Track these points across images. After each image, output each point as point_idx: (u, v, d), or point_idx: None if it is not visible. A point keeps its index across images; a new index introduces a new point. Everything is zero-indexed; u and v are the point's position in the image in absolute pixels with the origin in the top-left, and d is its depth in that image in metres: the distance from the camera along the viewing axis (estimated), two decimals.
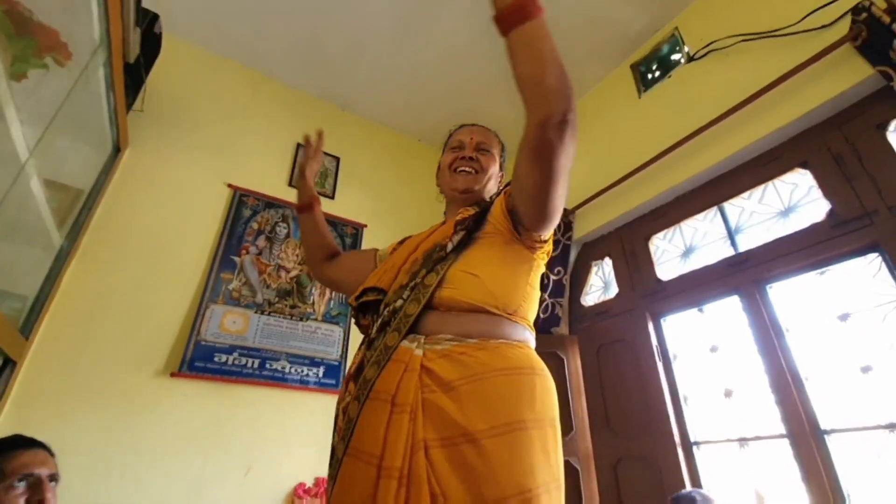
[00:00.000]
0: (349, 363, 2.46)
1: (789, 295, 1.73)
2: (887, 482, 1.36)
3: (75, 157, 1.82)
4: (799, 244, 1.69)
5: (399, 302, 0.82)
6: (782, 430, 1.60)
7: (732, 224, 1.99)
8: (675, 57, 2.33)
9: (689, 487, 1.76)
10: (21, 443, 1.06)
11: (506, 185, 0.93)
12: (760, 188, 1.91)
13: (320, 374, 2.21)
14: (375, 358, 0.78)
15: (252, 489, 1.87)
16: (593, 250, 2.57)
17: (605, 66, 2.68)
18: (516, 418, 0.70)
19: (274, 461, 1.96)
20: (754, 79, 1.85)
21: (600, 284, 2.53)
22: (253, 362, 2.07)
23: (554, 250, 2.46)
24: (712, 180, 2.06)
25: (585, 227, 2.52)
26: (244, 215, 2.34)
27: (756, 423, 1.70)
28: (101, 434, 1.69)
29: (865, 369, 1.48)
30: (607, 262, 2.49)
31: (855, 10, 1.55)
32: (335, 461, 0.75)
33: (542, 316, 2.40)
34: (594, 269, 2.58)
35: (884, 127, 1.58)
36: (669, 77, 2.33)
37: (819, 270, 1.66)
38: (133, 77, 1.88)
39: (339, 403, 0.83)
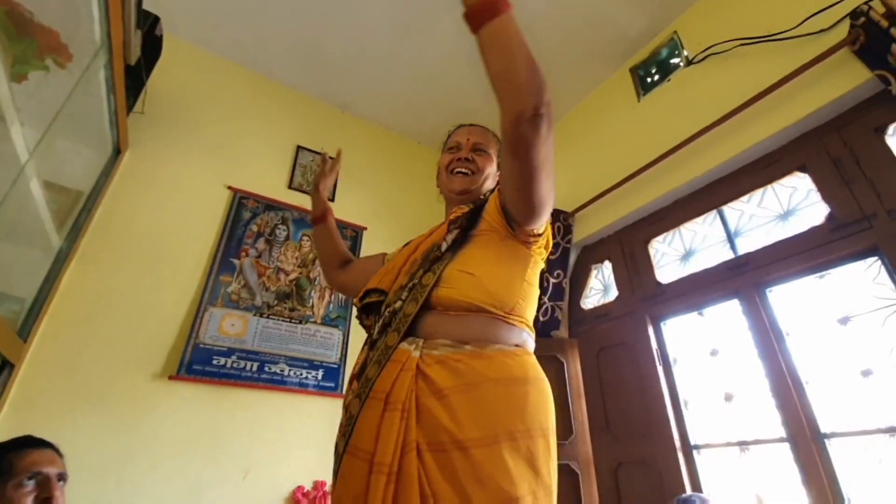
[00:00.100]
0: (349, 365, 2.47)
1: (789, 298, 1.73)
2: (887, 486, 1.36)
3: (75, 158, 1.82)
4: (798, 247, 1.69)
5: (398, 303, 0.83)
6: (782, 433, 1.59)
7: (732, 227, 2.00)
8: (675, 60, 2.34)
9: (689, 492, 1.76)
10: (30, 442, 1.09)
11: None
12: (759, 192, 1.91)
13: (319, 377, 2.20)
14: (377, 357, 0.79)
15: (250, 492, 1.86)
16: (593, 253, 2.57)
17: (604, 70, 2.69)
18: (506, 428, 0.70)
19: (272, 464, 1.95)
20: (753, 82, 1.86)
21: (600, 287, 2.53)
22: (252, 365, 2.06)
23: (553, 253, 2.48)
24: (711, 184, 2.06)
25: (585, 231, 2.53)
26: (244, 217, 2.34)
27: (756, 427, 1.70)
28: (99, 437, 1.68)
29: (866, 373, 1.47)
30: (607, 266, 2.49)
31: (853, 15, 1.56)
32: (337, 457, 0.77)
33: (541, 319, 2.40)
34: (594, 272, 2.58)
35: (882, 131, 1.59)
36: (668, 80, 2.34)
37: (819, 274, 1.66)
38: (134, 79, 1.88)
39: (344, 401, 0.84)
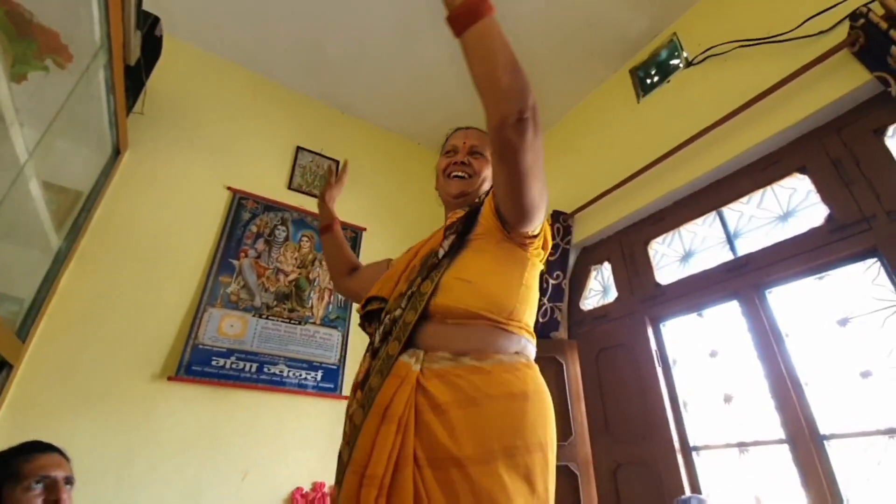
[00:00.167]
0: (348, 367, 2.46)
1: (788, 300, 1.73)
2: (886, 487, 1.36)
3: (75, 159, 1.82)
4: (798, 249, 1.69)
5: (398, 311, 0.84)
6: (782, 435, 1.59)
7: (731, 228, 2.00)
8: (674, 62, 2.34)
9: (688, 493, 1.76)
10: (38, 447, 1.13)
11: None
12: (759, 193, 1.91)
13: (318, 378, 2.20)
14: (379, 367, 0.80)
15: (249, 493, 1.86)
16: (592, 254, 2.57)
17: (604, 71, 2.70)
18: (503, 445, 0.71)
19: (271, 466, 1.95)
20: (753, 84, 1.86)
21: (599, 289, 2.53)
22: (251, 366, 2.06)
23: (553, 254, 2.48)
24: (711, 185, 2.06)
25: (584, 232, 2.53)
26: (243, 218, 2.34)
27: (755, 429, 1.70)
28: (98, 438, 1.68)
29: (865, 374, 1.47)
30: (606, 267, 2.49)
31: (853, 16, 1.56)
32: (340, 467, 0.77)
33: (541, 320, 2.40)
34: (593, 273, 2.58)
35: (881, 132, 1.59)
36: (668, 82, 2.34)
37: (818, 275, 1.66)
38: (133, 79, 1.88)
39: (347, 409, 0.84)
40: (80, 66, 1.50)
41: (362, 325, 0.99)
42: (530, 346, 0.87)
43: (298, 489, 1.95)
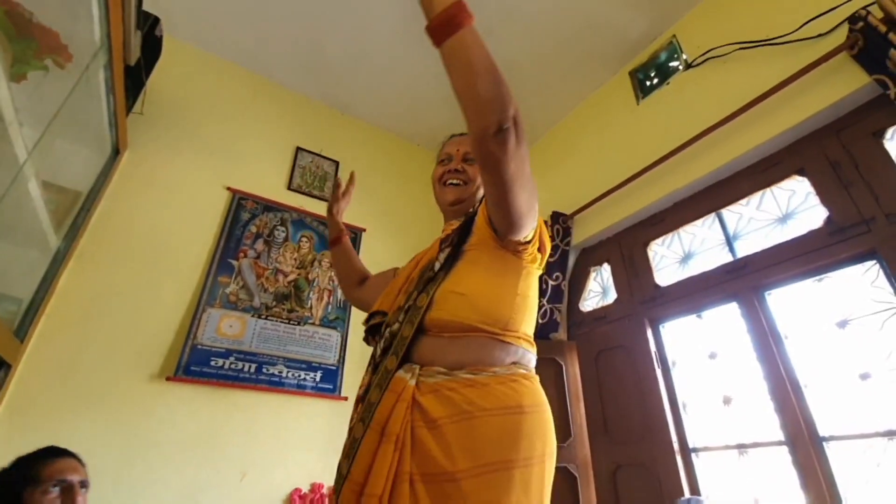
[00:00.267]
0: (347, 367, 2.46)
1: (788, 301, 1.73)
2: (885, 489, 1.36)
3: (74, 159, 1.82)
4: (797, 251, 1.69)
5: (396, 325, 0.85)
6: (781, 437, 1.59)
7: (731, 230, 2.00)
8: (673, 64, 2.35)
9: (687, 495, 1.76)
10: (55, 452, 1.19)
11: None
12: (758, 195, 1.91)
13: (317, 379, 2.20)
14: (378, 381, 0.80)
15: (247, 494, 1.86)
16: (592, 256, 2.57)
17: (603, 73, 2.70)
18: (497, 458, 0.70)
19: (270, 467, 1.95)
20: (752, 86, 1.86)
21: (599, 290, 2.53)
22: (249, 367, 2.05)
23: (552, 255, 2.48)
24: (710, 187, 2.07)
25: (584, 233, 2.53)
26: (243, 218, 2.34)
27: (755, 430, 1.70)
28: (96, 438, 1.67)
29: (864, 376, 1.47)
30: (606, 268, 2.49)
31: (852, 19, 1.56)
32: (339, 478, 0.77)
33: (540, 321, 2.40)
34: (593, 274, 2.58)
35: (880, 135, 1.59)
36: (668, 84, 2.34)
37: (817, 277, 1.66)
38: (133, 79, 1.88)
39: (350, 421, 0.85)
40: (79, 66, 1.50)
41: (366, 339, 1.00)
42: (528, 355, 0.86)
43: (297, 490, 1.95)
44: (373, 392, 0.80)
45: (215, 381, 1.95)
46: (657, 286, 2.16)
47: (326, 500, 1.99)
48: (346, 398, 2.22)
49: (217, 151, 2.42)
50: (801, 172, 1.77)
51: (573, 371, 2.33)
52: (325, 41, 2.55)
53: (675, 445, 1.87)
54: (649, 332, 2.12)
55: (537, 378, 0.85)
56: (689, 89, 2.21)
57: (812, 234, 1.67)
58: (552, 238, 2.51)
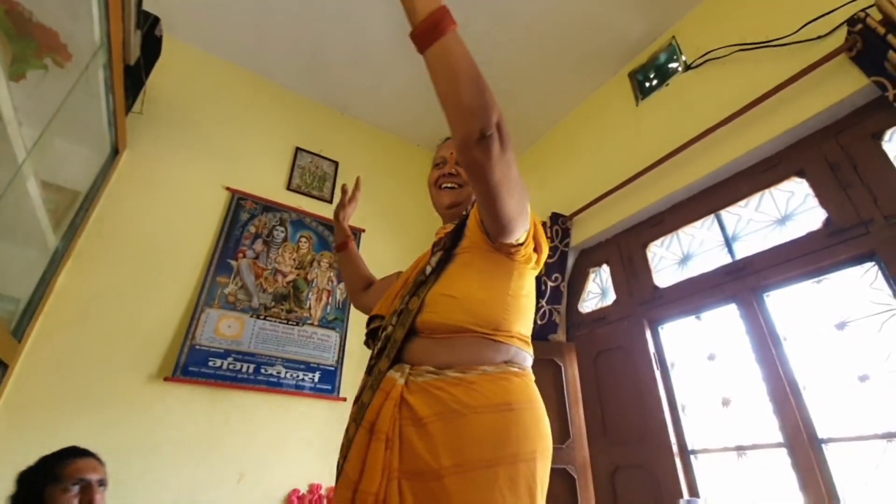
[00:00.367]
0: (346, 368, 2.45)
1: (786, 303, 1.73)
2: (884, 491, 1.36)
3: (73, 158, 1.81)
4: (795, 252, 1.69)
5: (390, 328, 0.86)
6: (780, 438, 1.59)
7: (729, 232, 2.00)
8: (673, 65, 2.35)
9: (686, 496, 1.76)
10: (76, 452, 1.25)
11: None
12: (757, 196, 1.92)
13: (316, 380, 2.19)
14: (371, 383, 0.82)
15: (245, 495, 1.85)
16: (591, 257, 2.58)
17: (603, 74, 2.70)
18: (482, 456, 0.70)
19: (268, 467, 1.94)
20: (751, 88, 1.86)
21: (598, 291, 2.53)
22: (248, 367, 2.05)
23: (551, 257, 2.48)
24: (709, 188, 2.07)
25: (583, 234, 2.53)
26: (242, 219, 2.34)
27: (753, 432, 1.70)
28: (93, 438, 1.66)
29: (863, 378, 1.47)
30: (605, 269, 2.49)
31: (850, 22, 1.57)
32: (338, 473, 0.79)
33: (539, 322, 2.40)
34: (592, 275, 2.58)
35: (879, 137, 1.59)
36: (667, 85, 2.34)
37: (816, 279, 1.66)
38: (133, 79, 1.88)
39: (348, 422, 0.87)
40: (79, 66, 1.50)
41: (366, 343, 1.01)
42: (522, 354, 0.86)
43: (295, 491, 1.95)
44: (366, 393, 0.81)
45: (213, 382, 1.95)
46: (656, 287, 2.16)
47: (325, 501, 1.98)
48: (344, 399, 2.21)
49: (216, 151, 2.42)
50: (800, 174, 1.78)
51: (572, 372, 2.33)
52: (324, 41, 2.56)
53: (674, 447, 1.87)
54: (648, 334, 2.12)
55: (531, 376, 0.85)
56: (688, 91, 2.21)
57: (811, 236, 1.67)
58: (551, 239, 2.51)
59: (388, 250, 2.73)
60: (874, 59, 1.48)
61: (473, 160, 0.67)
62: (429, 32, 0.67)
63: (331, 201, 2.69)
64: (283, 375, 2.11)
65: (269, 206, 2.44)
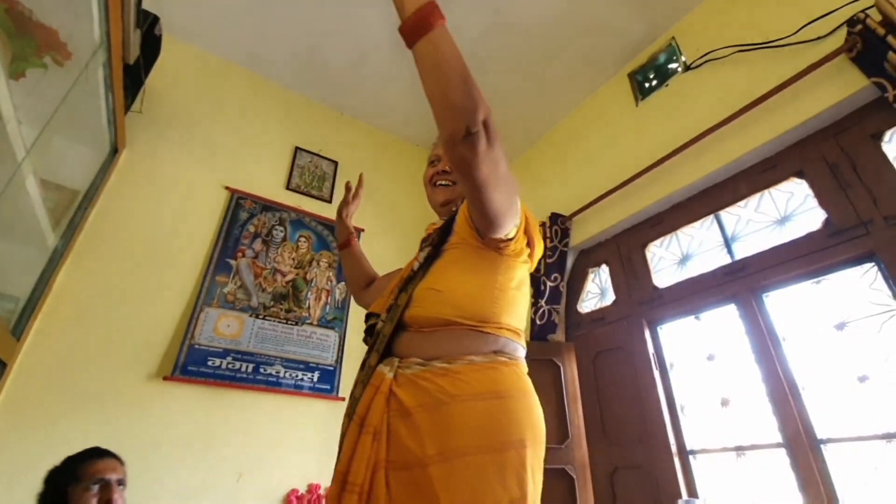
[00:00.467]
0: (345, 368, 2.45)
1: (786, 303, 1.73)
2: (884, 492, 1.36)
3: (72, 157, 1.81)
4: (795, 253, 1.69)
5: (381, 324, 0.88)
6: (779, 439, 1.59)
7: (729, 232, 2.00)
8: (672, 66, 2.35)
9: (685, 497, 1.75)
10: (98, 453, 1.30)
11: None
12: (756, 197, 1.92)
13: (315, 379, 2.19)
14: (362, 378, 0.84)
15: (244, 495, 1.85)
16: (590, 257, 2.57)
17: (602, 74, 2.70)
18: (466, 444, 0.70)
19: (267, 467, 1.94)
20: (750, 88, 1.86)
21: (597, 291, 2.53)
22: (247, 367, 2.05)
23: (551, 257, 2.48)
24: (709, 188, 2.07)
25: (582, 234, 2.53)
26: (241, 218, 2.34)
27: (753, 432, 1.70)
28: (91, 437, 1.65)
29: (862, 379, 1.47)
30: (604, 269, 2.49)
31: (850, 22, 1.57)
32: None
33: (538, 322, 2.40)
34: (591, 275, 2.58)
35: (879, 137, 1.60)
36: (666, 86, 2.34)
37: (815, 279, 1.66)
38: (132, 78, 1.88)
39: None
40: (78, 64, 1.50)
41: (365, 340, 1.02)
42: (513, 345, 0.86)
43: (294, 491, 1.94)
44: (357, 388, 0.83)
45: (212, 381, 1.95)
46: (655, 288, 2.16)
47: (324, 501, 1.98)
48: (343, 398, 2.21)
49: (216, 150, 2.42)
50: (799, 175, 1.78)
51: (571, 372, 2.33)
52: (324, 41, 2.56)
53: (673, 447, 1.87)
54: (647, 334, 2.12)
55: (522, 366, 0.85)
56: (688, 91, 2.21)
57: (810, 237, 1.67)
58: (550, 239, 2.51)
59: (386, 250, 2.73)
60: (874, 59, 1.48)
61: (459, 157, 0.68)
62: (417, 27, 0.66)
63: (330, 201, 2.69)
64: (282, 375, 2.11)
65: (268, 206, 2.44)
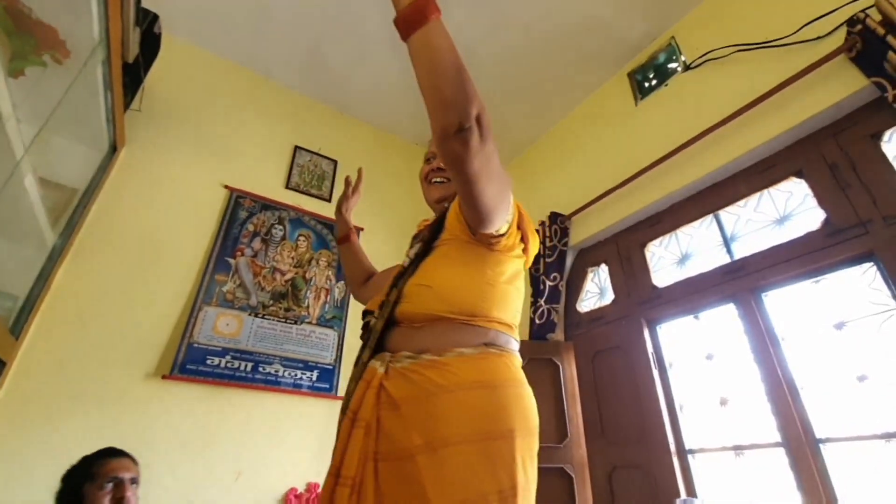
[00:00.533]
0: (344, 367, 2.45)
1: (785, 303, 1.73)
2: (883, 492, 1.36)
3: (71, 155, 1.81)
4: (794, 252, 1.69)
5: (373, 321, 0.89)
6: (778, 438, 1.59)
7: (728, 232, 2.00)
8: (672, 65, 2.35)
9: (684, 496, 1.76)
10: (111, 452, 1.34)
11: None
12: (756, 196, 1.92)
13: (314, 378, 2.19)
14: (355, 374, 0.85)
15: (242, 494, 1.85)
16: (589, 256, 2.58)
17: (602, 74, 2.70)
18: (453, 433, 0.71)
19: (265, 466, 1.94)
20: (750, 88, 1.86)
21: (596, 291, 2.53)
22: (246, 366, 2.05)
23: (550, 256, 2.48)
24: (708, 188, 2.07)
25: (582, 234, 2.53)
26: (240, 217, 2.33)
27: (751, 432, 1.70)
28: (90, 436, 1.66)
29: (861, 378, 1.48)
30: (603, 269, 2.49)
31: (850, 22, 1.57)
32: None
33: (537, 322, 2.40)
34: (590, 275, 2.58)
35: (878, 137, 1.60)
36: (666, 85, 2.34)
37: (814, 279, 1.66)
38: (131, 76, 1.88)
39: None
40: (77, 62, 1.50)
41: (361, 337, 1.02)
42: (504, 337, 0.85)
43: (292, 490, 1.94)
44: (351, 384, 0.84)
45: (211, 380, 1.95)
46: (654, 287, 2.17)
47: None
48: (342, 398, 2.21)
49: (215, 149, 2.42)
50: (798, 174, 1.78)
51: (570, 372, 2.33)
52: (324, 41, 2.55)
53: (672, 447, 1.87)
54: (646, 333, 2.12)
55: (515, 357, 0.85)
56: (687, 91, 2.21)
57: (809, 236, 1.68)
58: (549, 238, 2.51)
59: (385, 249, 2.73)
60: (874, 59, 1.49)
61: (451, 152, 0.67)
62: (412, 19, 0.66)
63: (330, 200, 2.69)
64: (281, 374, 2.11)
65: (267, 205, 2.44)
